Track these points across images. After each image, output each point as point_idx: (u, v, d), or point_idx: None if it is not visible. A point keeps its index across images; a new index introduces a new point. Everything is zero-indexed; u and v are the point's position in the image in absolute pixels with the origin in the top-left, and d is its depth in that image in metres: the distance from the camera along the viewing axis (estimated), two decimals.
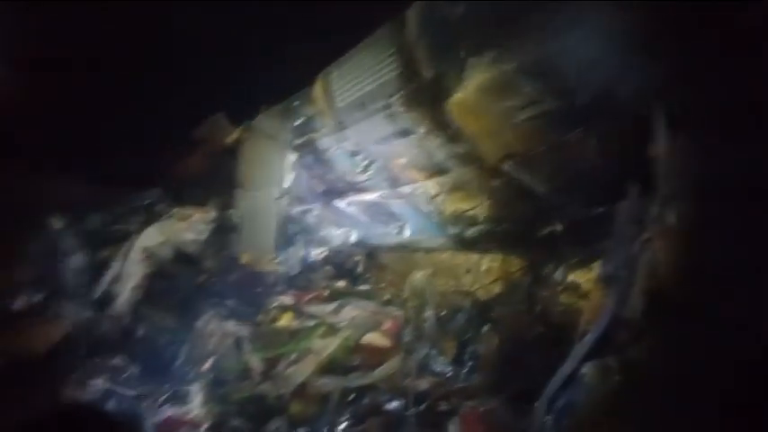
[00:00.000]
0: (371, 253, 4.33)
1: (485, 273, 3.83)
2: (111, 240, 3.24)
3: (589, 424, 2.17)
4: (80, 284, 3.02)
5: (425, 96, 3.17)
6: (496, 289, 3.66)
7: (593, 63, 2.21)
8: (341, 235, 4.36)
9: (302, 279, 3.94)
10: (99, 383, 2.62)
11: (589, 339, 2.29)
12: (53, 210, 3.21)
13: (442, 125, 3.18)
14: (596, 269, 3.32)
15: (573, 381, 2.39)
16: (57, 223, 3.13)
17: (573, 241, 3.27)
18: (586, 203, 2.94)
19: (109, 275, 3.09)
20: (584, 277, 3.36)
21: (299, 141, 4.17)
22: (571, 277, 3.38)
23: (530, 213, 3.31)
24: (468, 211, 3.61)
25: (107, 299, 3.02)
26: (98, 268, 3.11)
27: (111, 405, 2.58)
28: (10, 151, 3.18)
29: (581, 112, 2.43)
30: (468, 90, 3.01)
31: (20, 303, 2.83)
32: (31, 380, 2.61)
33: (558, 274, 3.44)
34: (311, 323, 3.38)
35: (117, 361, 2.71)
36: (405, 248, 4.21)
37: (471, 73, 2.95)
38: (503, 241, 3.68)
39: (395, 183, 3.82)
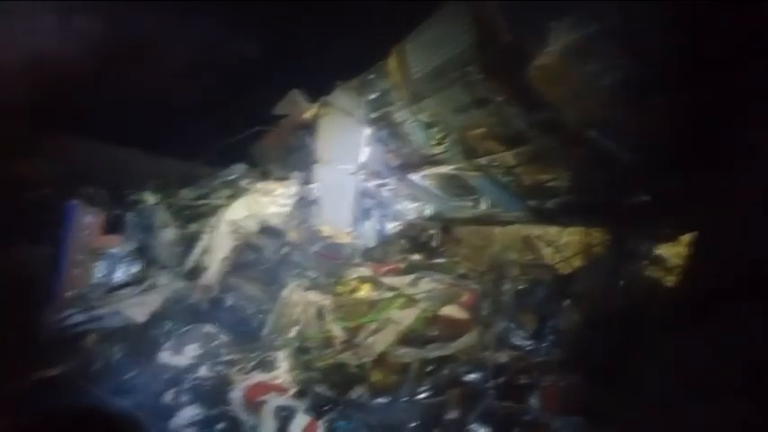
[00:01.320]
0: (446, 227, 4.31)
1: (565, 246, 3.73)
2: (199, 215, 3.42)
3: None
4: (173, 256, 3.20)
5: (504, 63, 3.08)
6: (578, 263, 3.57)
7: (679, 26, 2.08)
8: (416, 209, 4.38)
9: (379, 252, 3.98)
10: (193, 349, 2.77)
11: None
12: (147, 186, 3.42)
13: (521, 93, 3.09)
14: (684, 243, 3.17)
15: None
16: (150, 199, 3.33)
17: (660, 213, 3.12)
18: (674, 173, 2.79)
19: (199, 248, 3.25)
20: (670, 251, 3.20)
21: (374, 115, 4.18)
22: (657, 251, 3.24)
23: (614, 184, 3.18)
24: (548, 182, 3.51)
25: (198, 270, 3.19)
26: (189, 241, 3.29)
27: (204, 370, 2.72)
28: (106, 130, 3.41)
29: (667, 77, 2.29)
30: (550, 55, 2.90)
31: (121, 274, 3.04)
32: (134, 346, 2.82)
33: (643, 248, 3.30)
34: (389, 294, 3.43)
35: (209, 328, 2.85)
36: (481, 222, 4.17)
37: (552, 38, 2.84)
38: (584, 213, 3.56)
39: (471, 154, 3.77)
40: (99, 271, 3.03)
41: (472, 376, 3.04)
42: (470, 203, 4.12)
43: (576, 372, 3.01)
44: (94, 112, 3.31)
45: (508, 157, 3.56)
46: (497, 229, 4.11)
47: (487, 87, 3.20)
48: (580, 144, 2.99)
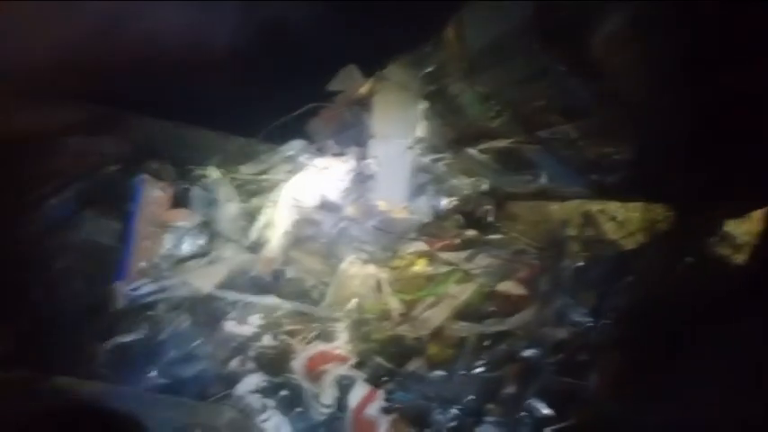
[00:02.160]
0: (502, 202, 4.26)
1: (627, 222, 3.64)
2: (261, 190, 3.51)
3: None
4: (236, 230, 3.30)
5: (567, 32, 3.00)
6: (641, 239, 3.47)
7: None
8: (471, 183, 4.34)
9: (433, 227, 3.98)
10: (256, 320, 2.87)
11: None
12: (211, 161, 3.53)
13: (584, 62, 3.00)
14: (755, 219, 3.04)
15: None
16: (214, 174, 3.44)
17: (731, 187, 3.00)
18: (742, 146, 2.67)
19: (261, 222, 3.34)
20: (739, 228, 3.08)
21: (430, 89, 4.15)
22: (726, 228, 3.11)
23: (681, 156, 3.07)
24: (609, 155, 3.42)
25: (260, 243, 3.28)
26: (251, 215, 3.39)
27: (267, 339, 2.82)
28: (171, 109, 3.53)
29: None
30: (615, 22, 2.81)
31: (188, 247, 3.16)
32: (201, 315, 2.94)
33: (710, 225, 3.17)
34: (445, 269, 3.44)
35: (272, 300, 2.94)
36: (539, 197, 4.10)
37: (618, 3, 2.75)
38: (649, 188, 3.45)
39: (530, 127, 3.69)
40: (167, 243, 3.15)
41: (530, 352, 3.02)
42: (529, 178, 4.06)
43: (636, 350, 2.96)
44: (161, 92, 3.43)
45: (569, 129, 3.47)
46: (555, 205, 4.03)
47: (548, 57, 3.12)
48: (643, 116, 2.90)
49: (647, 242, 3.43)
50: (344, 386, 2.63)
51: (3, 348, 2.81)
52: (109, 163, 3.31)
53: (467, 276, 3.41)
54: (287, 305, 2.95)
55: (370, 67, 4.25)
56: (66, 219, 3.07)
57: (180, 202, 3.34)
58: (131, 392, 2.54)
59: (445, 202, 4.19)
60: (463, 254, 3.61)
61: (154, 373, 2.80)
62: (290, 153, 3.74)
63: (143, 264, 3.02)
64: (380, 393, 2.64)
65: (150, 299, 2.94)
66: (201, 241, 3.22)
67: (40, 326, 2.88)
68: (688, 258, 3.15)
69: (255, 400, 2.62)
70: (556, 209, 4.05)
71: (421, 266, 3.44)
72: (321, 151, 3.75)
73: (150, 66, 3.55)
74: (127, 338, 2.87)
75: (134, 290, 2.91)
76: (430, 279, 3.36)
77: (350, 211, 3.58)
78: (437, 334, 3.10)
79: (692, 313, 2.81)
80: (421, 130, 4.19)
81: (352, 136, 4.02)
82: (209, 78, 3.75)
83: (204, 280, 2.96)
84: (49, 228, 3.05)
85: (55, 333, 2.88)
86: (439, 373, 2.94)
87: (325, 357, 2.76)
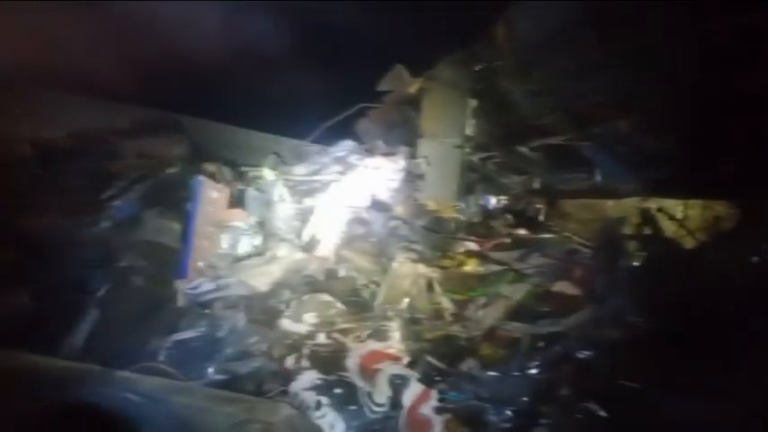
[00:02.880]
0: (554, 200, 4.19)
1: (686, 220, 3.51)
2: (313, 190, 3.57)
3: None
4: (290, 229, 3.37)
5: (619, 25, 2.92)
6: (701, 237, 3.35)
7: None
8: (522, 182, 4.28)
9: (483, 226, 3.95)
10: (311, 317, 2.91)
11: None
12: (265, 163, 3.62)
13: (637, 56, 2.92)
14: None
15: None
16: (269, 175, 3.52)
17: None
18: None
19: (314, 221, 3.39)
20: None
21: (479, 87, 4.12)
22: None
23: (738, 152, 2.95)
24: (665, 151, 3.31)
25: (313, 242, 3.32)
26: (304, 215, 3.44)
27: (321, 337, 2.85)
28: (228, 112, 3.65)
29: None
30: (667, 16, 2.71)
31: (244, 246, 3.24)
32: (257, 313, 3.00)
33: None
34: (497, 269, 3.40)
35: (325, 298, 2.97)
36: (593, 194, 4.01)
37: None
38: (710, 184, 3.33)
39: (583, 124, 3.62)
40: (224, 243, 3.24)
41: (585, 353, 2.96)
42: (582, 175, 3.98)
43: (698, 350, 2.86)
44: (216, 97, 3.55)
45: (623, 125, 3.39)
46: (610, 203, 3.94)
47: (601, 52, 3.05)
48: (700, 111, 2.80)
49: (708, 241, 3.31)
50: (398, 385, 2.63)
51: (71, 341, 2.95)
52: (168, 166, 3.44)
53: (519, 276, 3.36)
54: (340, 303, 2.97)
55: (419, 67, 4.26)
56: (130, 219, 3.21)
57: (236, 202, 3.45)
58: (192, 388, 2.60)
59: (495, 201, 4.16)
60: (515, 253, 3.57)
61: (211, 369, 2.88)
62: (341, 154, 3.79)
63: (201, 263, 3.13)
64: (434, 393, 2.63)
65: (208, 297, 3.02)
66: (257, 241, 3.30)
67: (105, 322, 3.00)
68: (753, 258, 3.02)
69: (310, 398, 2.64)
70: (611, 206, 3.96)
71: (472, 266, 3.42)
72: (371, 151, 3.79)
73: (206, 71, 3.67)
74: (186, 335, 2.96)
75: (193, 288, 3.01)
76: (481, 279, 3.34)
77: (399, 210, 3.60)
78: (490, 334, 3.07)
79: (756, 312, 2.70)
80: (470, 128, 4.17)
81: (401, 136, 4.04)
82: (262, 82, 3.85)
83: (260, 279, 3.03)
84: (114, 228, 3.20)
85: (119, 328, 3.00)
86: (492, 373, 2.91)
87: (378, 356, 2.76)
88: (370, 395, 2.66)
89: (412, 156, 3.72)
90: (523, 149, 4.14)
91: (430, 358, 2.88)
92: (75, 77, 3.35)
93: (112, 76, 3.60)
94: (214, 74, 3.72)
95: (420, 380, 2.67)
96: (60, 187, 3.24)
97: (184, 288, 3.03)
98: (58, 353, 2.81)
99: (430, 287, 3.15)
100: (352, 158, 3.68)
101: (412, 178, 3.63)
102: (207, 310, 3.04)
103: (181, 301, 3.02)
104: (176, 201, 3.28)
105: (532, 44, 3.52)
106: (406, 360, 2.79)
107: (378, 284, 3.19)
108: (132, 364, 2.72)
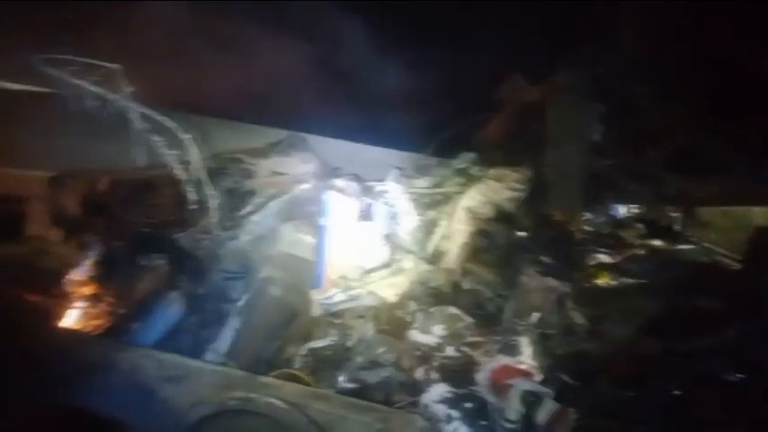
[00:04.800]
0: (690, 208, 3.91)
1: None
2: (436, 202, 3.61)
3: None
4: (415, 242, 3.42)
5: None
6: None
7: None
8: (654, 189, 4.04)
9: (613, 237, 3.77)
10: (439, 330, 2.94)
11: None
12: (389, 177, 3.71)
13: None
14: None
15: None
16: (393, 188, 3.61)
17: None
18: None
19: (438, 234, 3.43)
20: None
21: (604, 90, 3.95)
22: None
23: None
24: None
25: (438, 255, 3.36)
26: (429, 227, 3.49)
27: (450, 350, 2.87)
28: (352, 129, 3.80)
29: None
30: None
31: (373, 258, 3.34)
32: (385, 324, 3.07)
33: None
34: (631, 282, 3.24)
35: (453, 310, 2.99)
36: (735, 201, 3.70)
37: None
38: None
39: (719, 124, 3.36)
40: (355, 255, 3.36)
41: (730, 374, 2.73)
42: (722, 180, 3.69)
43: None
44: (342, 116, 3.72)
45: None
46: (756, 209, 3.61)
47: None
48: None
49: None
50: (531, 402, 2.58)
51: (216, 347, 3.20)
52: (300, 182, 3.64)
53: (655, 290, 3.18)
54: (468, 316, 2.98)
55: (538, 73, 4.17)
56: (267, 233, 3.43)
57: (364, 216, 3.57)
58: (328, 395, 2.71)
59: (625, 210, 3.96)
60: (650, 266, 3.39)
61: (342, 378, 2.99)
62: (461, 166, 3.80)
63: (334, 274, 3.26)
64: (570, 412, 2.55)
65: (340, 307, 3.15)
66: (384, 253, 3.39)
67: (246, 329, 3.22)
68: None
69: (441, 411, 2.67)
70: (757, 213, 3.63)
71: (604, 279, 3.28)
72: (491, 162, 3.76)
73: (332, 93, 3.85)
74: (319, 344, 3.10)
75: (327, 299, 3.14)
76: (614, 293, 3.19)
77: (524, 221, 3.54)
78: (625, 351, 2.93)
79: None
80: (597, 134, 4.01)
81: (523, 145, 3.96)
82: (382, 99, 3.96)
83: (388, 290, 3.11)
84: (253, 241, 3.43)
85: (258, 336, 3.20)
86: (628, 393, 2.77)
87: (509, 371, 2.73)
88: (501, 411, 2.63)
89: (535, 165, 3.63)
90: (654, 154, 3.91)
91: (562, 375, 2.80)
92: (214, 102, 3.65)
93: (245, 100, 3.88)
94: (338, 96, 3.90)
95: (555, 397, 2.61)
96: (204, 204, 3.51)
97: (319, 298, 3.17)
98: (204, 358, 3.07)
99: (560, 302, 3.06)
100: (474, 170, 3.66)
101: (536, 188, 3.54)
102: (338, 320, 3.16)
103: (316, 311, 3.17)
104: (309, 215, 3.45)
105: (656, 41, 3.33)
106: (538, 376, 2.74)
107: (504, 298, 3.15)
108: (271, 370, 2.89)
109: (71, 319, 3.29)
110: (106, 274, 3.29)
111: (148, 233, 3.40)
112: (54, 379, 2.70)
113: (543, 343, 2.88)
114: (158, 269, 3.33)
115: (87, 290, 3.34)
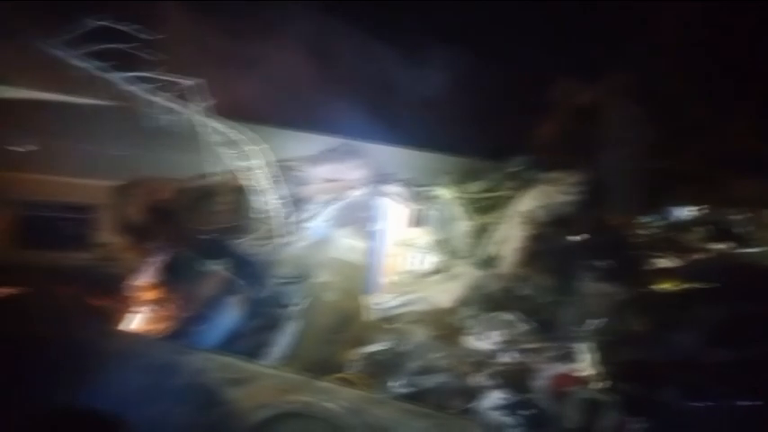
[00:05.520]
0: (758, 210, 3.74)
1: None
2: (489, 207, 3.57)
3: None
4: (469, 247, 3.41)
5: None
6: None
7: None
8: (717, 190, 3.88)
9: (673, 241, 3.64)
10: (495, 336, 2.91)
11: None
12: (441, 182, 3.71)
13: None
14: None
15: None
16: (446, 194, 3.60)
17: None
18: None
19: (492, 239, 3.40)
20: None
21: (655, 91, 3.83)
22: None
23: None
24: None
25: (493, 260, 3.33)
26: (482, 232, 3.46)
27: (507, 356, 2.84)
28: (404, 136, 3.82)
29: None
30: None
31: (426, 263, 3.35)
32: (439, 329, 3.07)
33: None
34: (694, 287, 3.12)
35: (509, 316, 2.95)
36: None
37: None
38: None
39: None
40: (408, 260, 3.37)
41: None
42: None
43: None
44: (394, 122, 3.74)
45: None
46: None
47: None
48: None
49: None
50: (591, 411, 2.52)
51: (275, 350, 3.27)
52: (353, 188, 3.68)
53: (721, 296, 3.05)
54: (525, 323, 2.93)
55: (589, 75, 4.09)
56: (322, 239, 3.49)
57: (418, 221, 3.57)
58: (385, 400, 2.71)
59: (684, 213, 3.82)
60: (714, 270, 3.25)
61: (397, 383, 2.99)
62: (514, 169, 3.76)
63: (388, 279, 3.29)
64: (632, 423, 2.48)
65: (394, 312, 3.16)
66: (438, 258, 3.39)
67: (303, 333, 3.27)
68: None
69: (498, 417, 2.64)
70: None
71: (664, 285, 3.17)
72: (547, 166, 3.69)
73: (383, 99, 3.88)
74: (374, 348, 3.11)
75: (380, 304, 3.17)
76: (676, 298, 3.08)
77: (580, 226, 3.46)
78: (690, 360, 2.82)
79: None
80: (651, 135, 3.88)
81: (577, 148, 3.88)
82: (434, 105, 3.97)
83: (442, 295, 3.10)
84: (309, 247, 3.49)
85: (315, 340, 3.25)
86: (695, 404, 2.67)
87: (567, 379, 2.68)
88: (560, 419, 2.59)
89: (590, 167, 3.55)
90: (710, 154, 3.77)
91: (623, 384, 2.72)
92: (270, 111, 3.73)
93: (298, 108, 3.95)
94: (391, 103, 3.94)
95: (616, 406, 2.54)
96: (265, 212, 3.58)
97: (373, 303, 3.20)
98: (262, 361, 3.13)
99: (620, 308, 2.98)
100: (527, 173, 3.62)
101: (592, 191, 3.46)
102: (392, 325, 3.18)
103: (370, 316, 3.19)
104: (363, 221, 3.48)
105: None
106: (598, 385, 2.68)
107: (560, 304, 3.09)
108: (327, 374, 2.93)
109: (136, 322, 3.43)
110: (169, 279, 3.41)
111: (210, 240, 3.50)
112: (122, 380, 2.82)
113: (602, 351, 2.81)
114: (219, 275, 3.42)
115: (151, 294, 3.47)
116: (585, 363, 2.75)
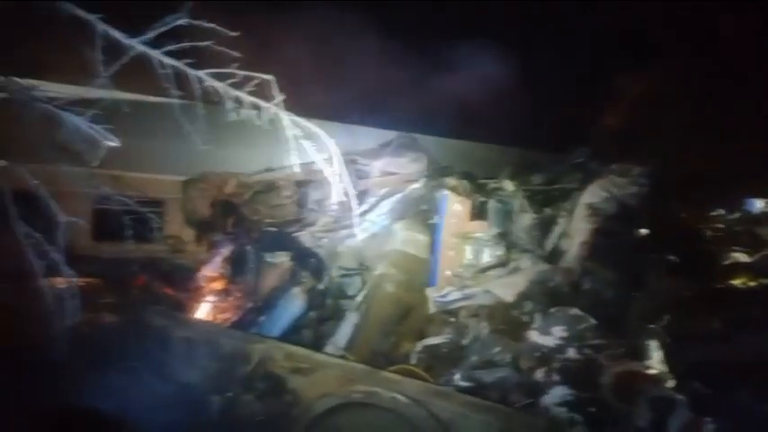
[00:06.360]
0: None
1: None
2: (553, 199, 3.50)
3: None
4: (532, 240, 3.34)
5: None
6: None
7: None
8: None
9: (748, 234, 3.48)
10: (560, 331, 2.85)
11: None
12: (503, 174, 3.65)
13: None
14: None
15: None
16: (509, 186, 3.55)
17: None
18: None
19: (556, 232, 3.33)
20: None
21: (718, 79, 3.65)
22: None
23: None
24: None
25: (557, 253, 3.26)
26: (545, 225, 3.39)
27: (572, 352, 2.77)
28: (461, 126, 3.81)
29: None
30: None
31: (487, 257, 3.31)
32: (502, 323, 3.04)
33: None
34: None
35: (574, 311, 2.88)
36: None
37: None
38: None
39: None
40: (469, 254, 3.35)
41: None
42: None
43: None
44: (454, 115, 3.73)
45: None
46: None
47: None
48: None
49: None
50: (662, 410, 2.43)
51: (335, 340, 3.31)
52: (412, 182, 3.68)
53: None
54: (591, 318, 2.85)
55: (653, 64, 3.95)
56: (381, 232, 3.50)
57: (478, 214, 3.54)
58: (449, 392, 2.71)
59: (761, 205, 3.64)
60: None
61: (457, 376, 2.98)
62: (578, 161, 3.66)
63: (449, 272, 3.27)
64: (707, 422, 2.38)
65: (455, 305, 3.15)
66: (500, 251, 3.34)
67: (363, 324, 3.30)
68: None
69: (562, 413, 2.58)
70: None
71: (740, 280, 3.03)
72: (612, 157, 3.58)
73: (442, 92, 3.86)
74: (434, 341, 3.11)
75: (442, 296, 3.16)
76: (753, 294, 2.94)
77: (647, 218, 3.34)
78: (763, 359, 2.69)
79: None
80: (721, 123, 3.71)
81: (643, 137, 3.76)
82: (492, 96, 3.91)
83: (505, 289, 3.06)
84: (368, 239, 3.52)
85: (375, 331, 3.27)
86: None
87: (636, 376, 2.59)
88: (628, 417, 2.51)
89: (660, 160, 3.42)
90: None
91: (695, 383, 2.62)
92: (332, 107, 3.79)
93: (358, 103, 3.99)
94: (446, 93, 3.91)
95: (689, 406, 2.45)
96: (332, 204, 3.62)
97: (434, 296, 3.19)
98: (324, 351, 3.18)
99: (691, 304, 2.87)
100: (591, 165, 3.52)
101: (661, 183, 3.33)
102: (453, 318, 3.16)
103: (431, 308, 3.19)
104: (422, 214, 3.48)
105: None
106: (668, 382, 2.58)
107: (628, 299, 3.00)
108: (388, 365, 2.94)
109: (203, 311, 3.56)
110: (234, 270, 3.52)
111: (273, 232, 3.59)
112: (191, 366, 2.93)
113: (673, 347, 2.71)
114: (282, 266, 3.50)
115: (217, 285, 3.59)
116: (654, 360, 2.66)
